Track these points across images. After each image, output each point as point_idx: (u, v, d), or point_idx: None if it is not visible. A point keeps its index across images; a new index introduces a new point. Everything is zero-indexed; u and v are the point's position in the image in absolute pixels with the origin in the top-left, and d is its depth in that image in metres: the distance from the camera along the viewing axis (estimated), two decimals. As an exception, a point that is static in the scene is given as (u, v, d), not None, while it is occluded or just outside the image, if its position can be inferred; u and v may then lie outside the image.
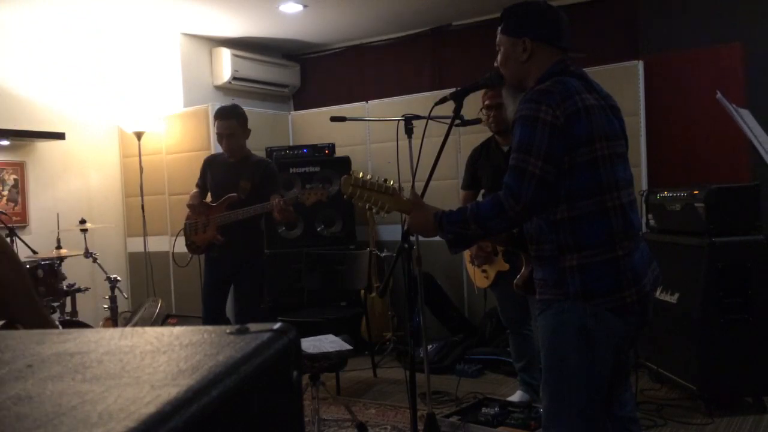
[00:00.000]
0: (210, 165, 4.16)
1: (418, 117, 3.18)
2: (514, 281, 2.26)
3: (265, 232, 5.36)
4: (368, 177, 2.12)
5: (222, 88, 6.10)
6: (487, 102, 3.54)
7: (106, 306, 4.70)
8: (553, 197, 1.89)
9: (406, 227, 2.22)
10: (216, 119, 3.98)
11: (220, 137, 3.97)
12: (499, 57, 2.11)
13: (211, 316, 4.12)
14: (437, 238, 2.10)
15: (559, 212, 1.90)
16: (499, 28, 2.11)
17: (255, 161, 4.05)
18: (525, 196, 1.85)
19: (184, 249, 4.12)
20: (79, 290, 4.36)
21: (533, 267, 2.06)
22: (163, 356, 0.51)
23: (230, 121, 3.94)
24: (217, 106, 5.33)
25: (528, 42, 2.02)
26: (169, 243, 4.46)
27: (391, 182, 2.14)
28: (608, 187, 1.90)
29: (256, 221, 4.02)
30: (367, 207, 2.14)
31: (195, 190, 4.13)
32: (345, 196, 2.14)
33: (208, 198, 4.11)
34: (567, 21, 2.09)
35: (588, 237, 1.89)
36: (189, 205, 4.04)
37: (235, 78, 5.98)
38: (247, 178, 3.92)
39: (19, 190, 4.93)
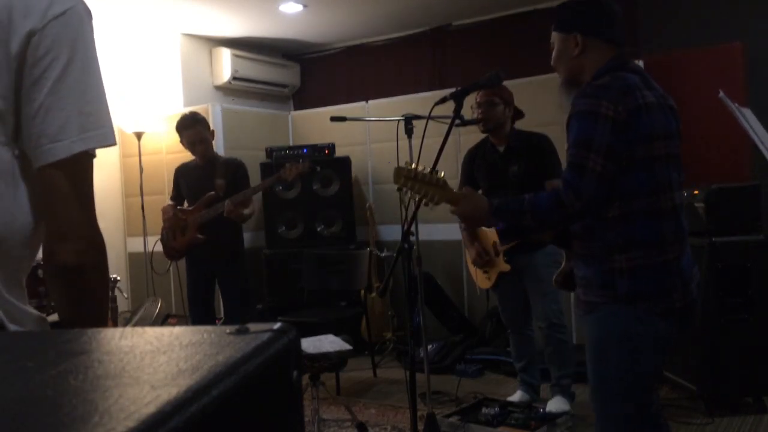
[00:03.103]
0: (182, 174, 4.30)
1: (418, 117, 3.18)
2: (554, 277, 2.21)
3: (265, 231, 5.41)
4: (420, 168, 2.08)
5: (222, 88, 6.10)
6: (478, 99, 3.53)
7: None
8: (609, 195, 1.85)
9: (456, 215, 2.10)
10: (183, 130, 4.12)
11: (192, 145, 4.11)
12: (553, 55, 2.08)
13: (200, 315, 4.19)
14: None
15: (611, 210, 1.86)
16: (552, 26, 2.07)
17: (224, 161, 4.23)
18: (586, 192, 1.81)
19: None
20: (79, 290, 4.37)
21: (576, 264, 2.02)
22: (163, 356, 0.51)
23: (196, 128, 4.10)
24: (217, 107, 5.39)
25: (579, 37, 1.98)
26: (153, 246, 4.53)
27: (442, 173, 2.09)
28: (663, 188, 1.86)
29: None
30: (417, 199, 2.09)
31: (169, 203, 4.25)
32: (397, 188, 2.11)
33: (184, 206, 4.23)
34: (621, 13, 2.04)
35: (639, 238, 1.85)
36: (165, 219, 4.13)
37: (235, 78, 5.98)
38: (221, 176, 4.07)
39: (19, 190, 4.93)
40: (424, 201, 2.08)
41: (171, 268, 4.94)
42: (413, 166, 2.07)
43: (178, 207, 4.20)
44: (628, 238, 1.85)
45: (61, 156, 0.99)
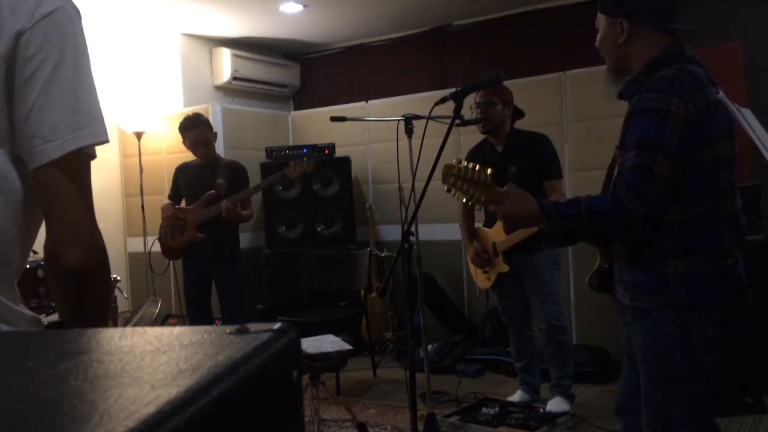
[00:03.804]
0: (182, 173, 4.31)
1: (418, 117, 3.18)
2: (588, 278, 2.09)
3: (265, 231, 5.41)
4: (470, 166, 1.88)
5: (222, 88, 6.10)
6: (477, 99, 3.53)
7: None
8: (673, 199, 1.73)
9: (498, 214, 1.91)
10: (186, 131, 4.13)
11: (195, 146, 4.12)
12: (597, 38, 1.95)
13: (197, 317, 4.20)
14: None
15: (670, 215, 1.74)
16: (598, 6, 1.95)
17: (226, 162, 4.24)
18: (652, 198, 1.69)
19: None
20: (79, 290, 4.37)
21: (619, 268, 1.89)
22: (163, 356, 0.51)
23: (199, 129, 4.11)
24: (217, 107, 5.39)
25: (625, 23, 1.84)
26: (151, 245, 4.56)
27: (489, 170, 1.90)
28: (725, 192, 1.76)
29: None
30: (464, 200, 1.90)
31: (167, 202, 4.26)
32: (445, 188, 1.91)
33: (182, 205, 4.25)
34: (672, 1, 1.88)
35: (698, 243, 1.74)
36: (165, 217, 4.14)
37: (235, 78, 5.98)
38: (222, 176, 4.08)
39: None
40: (470, 202, 1.91)
41: (170, 268, 4.95)
42: (463, 163, 1.88)
43: (177, 206, 4.21)
44: (687, 244, 1.74)
45: (54, 156, 0.98)
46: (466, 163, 1.88)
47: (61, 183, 1.00)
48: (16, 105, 0.99)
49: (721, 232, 1.77)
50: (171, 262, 4.56)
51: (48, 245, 1.01)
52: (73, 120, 1.00)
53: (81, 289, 1.03)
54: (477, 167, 1.88)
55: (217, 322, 4.45)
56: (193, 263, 4.19)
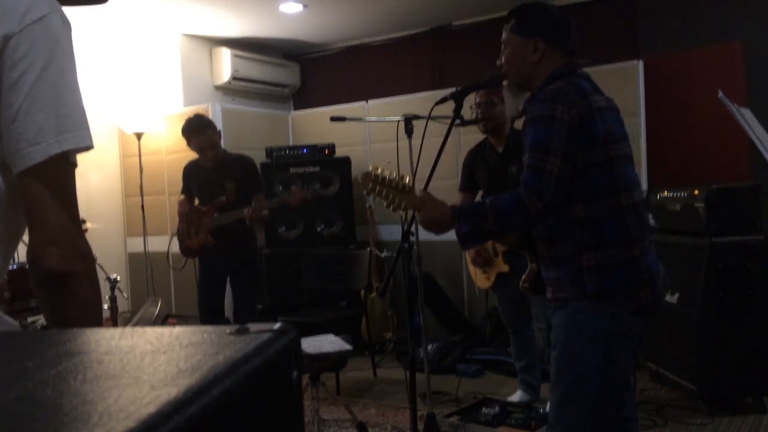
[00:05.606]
0: (190, 173, 4.24)
1: (418, 117, 3.18)
2: (521, 282, 2.24)
3: (264, 231, 5.41)
4: (387, 174, 2.09)
5: (222, 88, 6.10)
6: (477, 99, 3.53)
7: (106, 306, 4.70)
8: (567, 196, 1.90)
9: (418, 222, 2.13)
10: (192, 135, 4.02)
11: (203, 150, 4.03)
12: (504, 55, 2.11)
13: (209, 315, 4.18)
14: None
15: (575, 212, 1.91)
16: (508, 26, 2.11)
17: (234, 159, 4.16)
18: (546, 194, 1.86)
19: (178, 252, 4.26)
20: (78, 290, 4.37)
21: (544, 267, 2.05)
22: (163, 356, 0.51)
23: (206, 133, 4.01)
24: (217, 107, 5.39)
25: (540, 43, 2.03)
26: (169, 243, 4.54)
27: (407, 179, 2.11)
28: (622, 187, 1.92)
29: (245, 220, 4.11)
30: (385, 205, 2.10)
31: (182, 197, 4.21)
32: (365, 192, 2.12)
33: (196, 202, 4.21)
34: (572, 26, 2.11)
35: (606, 236, 1.90)
36: (180, 214, 4.13)
37: (235, 78, 5.99)
38: (231, 179, 4.03)
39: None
40: (391, 207, 2.10)
41: (184, 268, 4.91)
42: (380, 170, 2.09)
43: (192, 203, 4.19)
44: (596, 238, 1.90)
45: (39, 159, 0.98)
46: (381, 170, 2.08)
47: (44, 187, 1.00)
48: (3, 108, 0.99)
49: (626, 223, 1.91)
50: (188, 258, 4.51)
51: (30, 250, 1.00)
52: (58, 124, 1.00)
53: (63, 294, 1.01)
54: (396, 175, 2.09)
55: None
56: (212, 264, 4.17)
